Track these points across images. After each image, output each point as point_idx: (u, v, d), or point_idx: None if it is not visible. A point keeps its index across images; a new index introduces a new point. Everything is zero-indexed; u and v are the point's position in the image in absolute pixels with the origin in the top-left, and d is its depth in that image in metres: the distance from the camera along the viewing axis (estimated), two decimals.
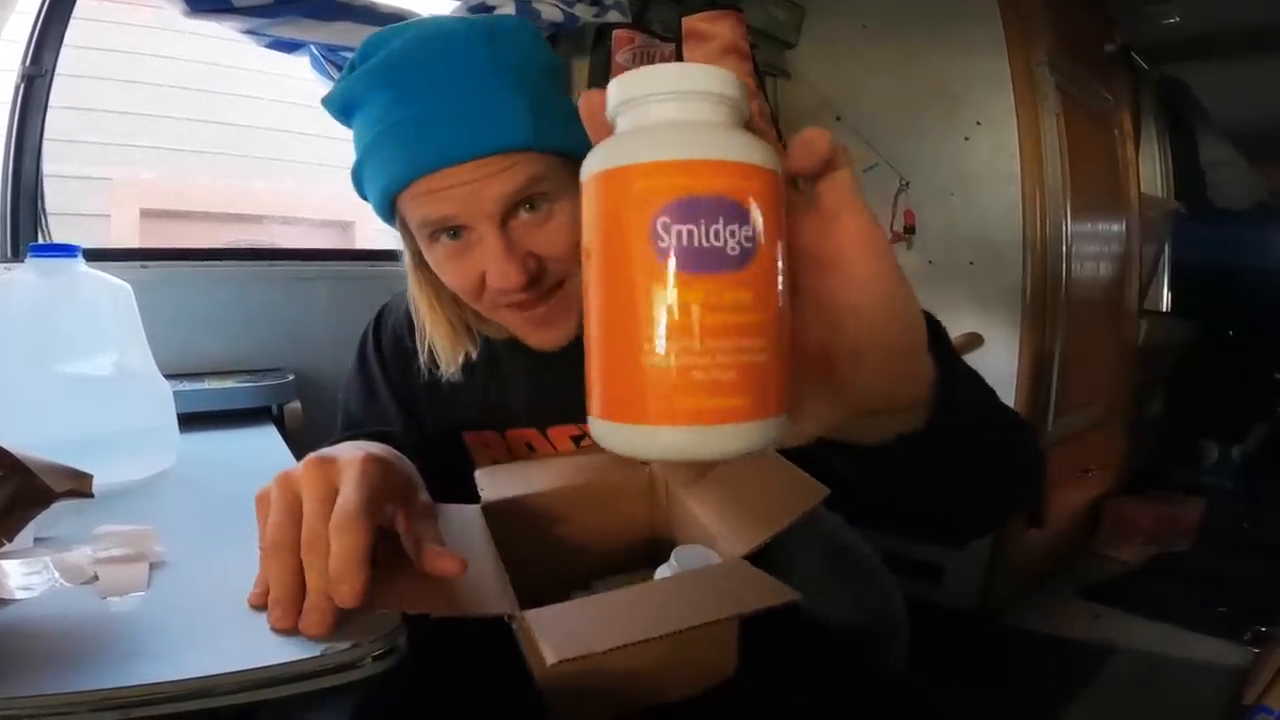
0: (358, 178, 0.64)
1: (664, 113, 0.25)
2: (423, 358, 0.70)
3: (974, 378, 0.44)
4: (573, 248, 0.58)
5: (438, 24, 0.60)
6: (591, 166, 0.25)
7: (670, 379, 0.23)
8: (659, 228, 0.23)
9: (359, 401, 0.78)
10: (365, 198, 0.64)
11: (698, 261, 0.23)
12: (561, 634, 0.41)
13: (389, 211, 0.62)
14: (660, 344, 0.23)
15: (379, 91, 0.58)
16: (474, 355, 0.71)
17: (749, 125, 0.27)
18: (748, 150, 0.24)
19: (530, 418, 0.72)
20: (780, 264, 0.25)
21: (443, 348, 0.69)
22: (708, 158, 0.23)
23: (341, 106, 0.62)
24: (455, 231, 0.59)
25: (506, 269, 0.58)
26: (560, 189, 0.59)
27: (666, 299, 0.23)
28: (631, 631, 0.41)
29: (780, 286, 0.25)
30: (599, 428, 0.26)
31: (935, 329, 0.43)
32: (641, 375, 0.23)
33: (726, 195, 0.23)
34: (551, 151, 0.58)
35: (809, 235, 0.28)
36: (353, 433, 0.71)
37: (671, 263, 0.23)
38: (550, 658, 0.38)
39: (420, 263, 0.65)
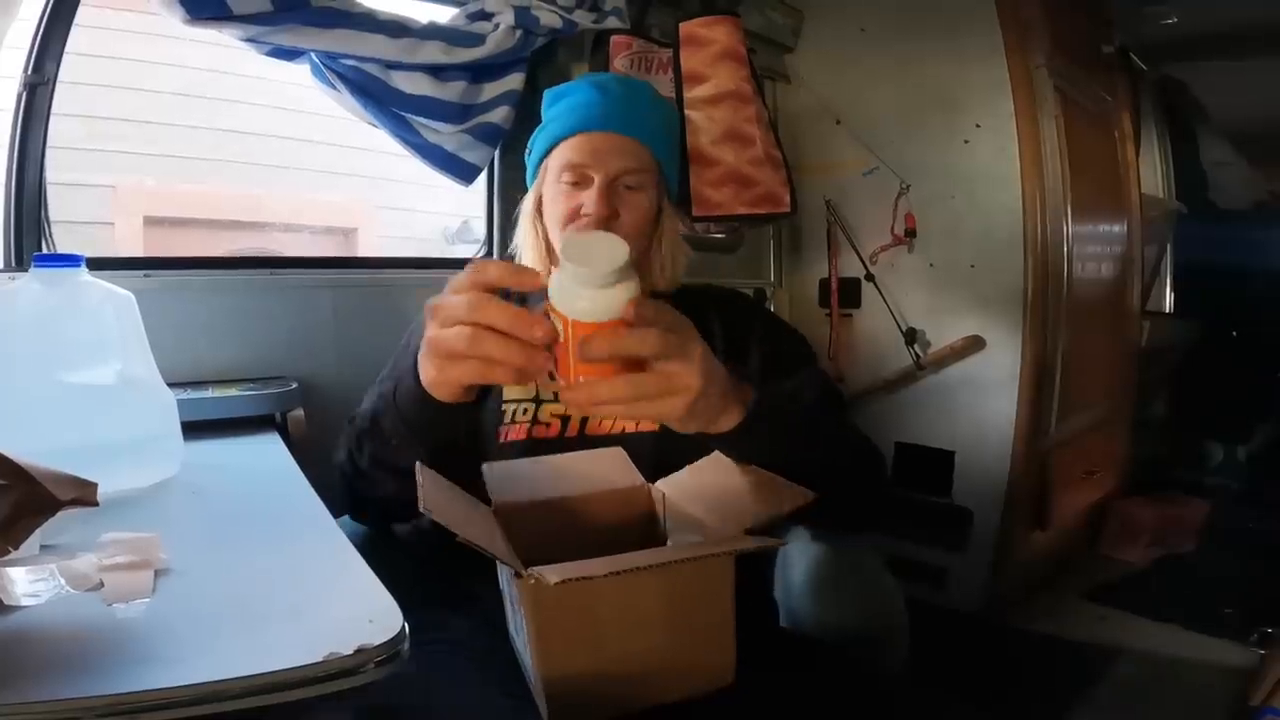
0: (534, 139, 0.96)
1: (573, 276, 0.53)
2: None
3: (781, 412, 0.66)
4: (636, 222, 0.89)
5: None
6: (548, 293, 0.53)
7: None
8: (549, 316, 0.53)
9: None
10: (528, 155, 0.97)
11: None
12: (563, 570, 0.49)
13: (540, 159, 0.93)
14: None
15: (584, 88, 0.93)
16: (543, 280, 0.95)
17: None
18: (607, 310, 0.51)
19: None
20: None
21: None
22: (560, 308, 0.52)
23: (556, 94, 0.95)
24: (577, 182, 0.89)
25: (598, 202, 0.86)
26: (648, 184, 0.91)
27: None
28: (628, 566, 0.51)
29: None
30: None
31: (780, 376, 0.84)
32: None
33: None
34: (656, 159, 0.92)
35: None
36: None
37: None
38: (553, 578, 0.48)
39: (537, 209, 0.94)
